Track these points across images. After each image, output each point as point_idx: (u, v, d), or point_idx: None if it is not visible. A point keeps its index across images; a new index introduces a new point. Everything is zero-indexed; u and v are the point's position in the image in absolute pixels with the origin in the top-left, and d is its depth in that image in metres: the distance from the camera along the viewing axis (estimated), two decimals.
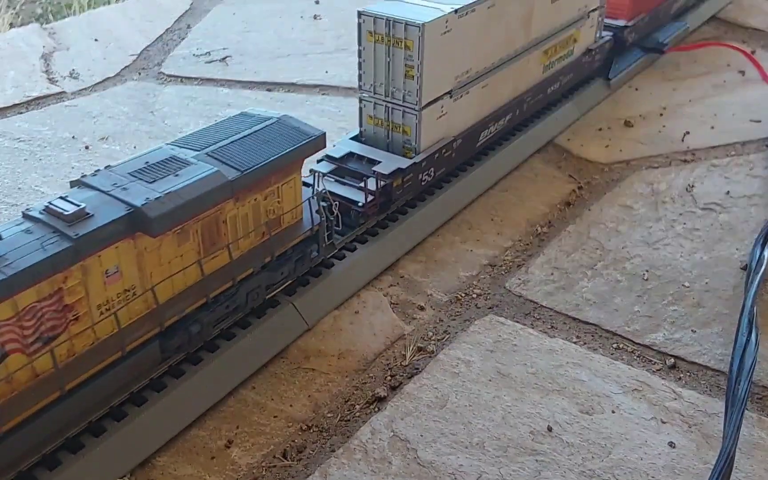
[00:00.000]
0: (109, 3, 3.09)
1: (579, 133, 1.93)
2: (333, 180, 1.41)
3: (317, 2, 2.87)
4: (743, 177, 1.71)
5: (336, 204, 1.30)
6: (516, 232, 1.54)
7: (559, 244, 1.49)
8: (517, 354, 1.21)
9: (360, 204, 1.36)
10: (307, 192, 1.25)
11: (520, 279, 1.39)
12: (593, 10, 1.95)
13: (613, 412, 1.10)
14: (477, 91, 1.57)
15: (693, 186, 1.68)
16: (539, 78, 1.80)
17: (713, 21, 2.67)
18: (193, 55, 2.40)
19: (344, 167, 1.44)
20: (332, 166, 1.44)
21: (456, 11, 1.42)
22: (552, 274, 1.41)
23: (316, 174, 1.31)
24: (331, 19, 2.68)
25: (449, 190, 1.58)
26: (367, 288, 1.36)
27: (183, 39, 2.54)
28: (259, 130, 1.17)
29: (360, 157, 1.46)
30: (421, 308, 1.32)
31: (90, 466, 0.96)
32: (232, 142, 1.12)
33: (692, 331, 1.26)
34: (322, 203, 1.25)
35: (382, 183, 1.39)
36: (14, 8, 3.14)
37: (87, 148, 1.84)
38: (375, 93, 1.46)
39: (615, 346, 1.24)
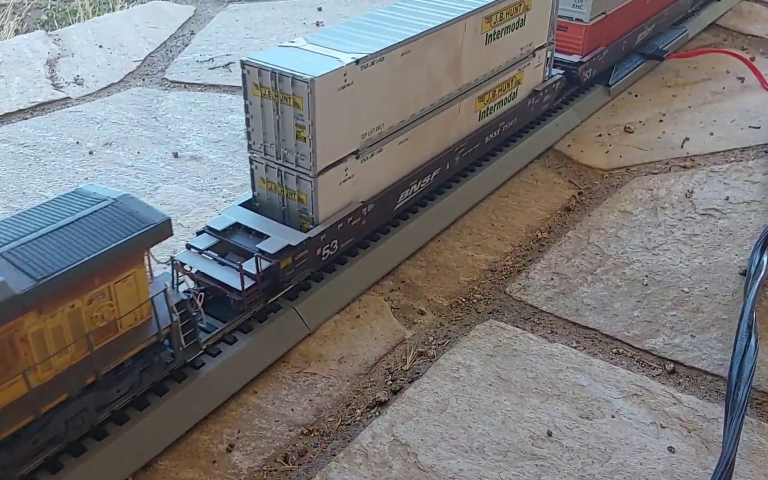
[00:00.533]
0: (113, 10, 3.11)
1: (579, 139, 1.94)
2: (211, 259, 1.20)
3: (320, 9, 2.89)
4: (742, 183, 1.72)
5: (200, 296, 1.10)
6: (516, 238, 1.54)
7: (559, 250, 1.50)
8: (517, 359, 1.21)
9: (239, 291, 1.13)
10: (162, 284, 1.04)
11: (520, 284, 1.40)
12: (540, 48, 1.77)
13: (613, 417, 1.11)
14: (393, 147, 1.38)
15: (692, 192, 1.68)
16: (474, 126, 1.61)
17: (713, 28, 2.69)
18: (197, 61, 2.42)
19: (227, 242, 1.23)
20: (214, 240, 1.23)
21: (358, 62, 1.22)
22: (552, 279, 1.41)
23: (174, 262, 1.12)
24: (333, 25, 2.70)
25: (450, 195, 1.59)
26: (368, 293, 1.37)
27: (186, 45, 2.56)
28: (84, 216, 0.95)
29: (247, 230, 1.25)
30: (422, 313, 1.33)
31: (92, 470, 0.97)
32: (41, 236, 0.90)
33: (691, 336, 1.27)
34: (184, 295, 1.07)
35: (266, 265, 1.17)
36: (20, 15, 3.17)
37: (91, 153, 1.86)
38: (266, 154, 1.25)
39: (615, 351, 1.24)
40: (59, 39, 2.62)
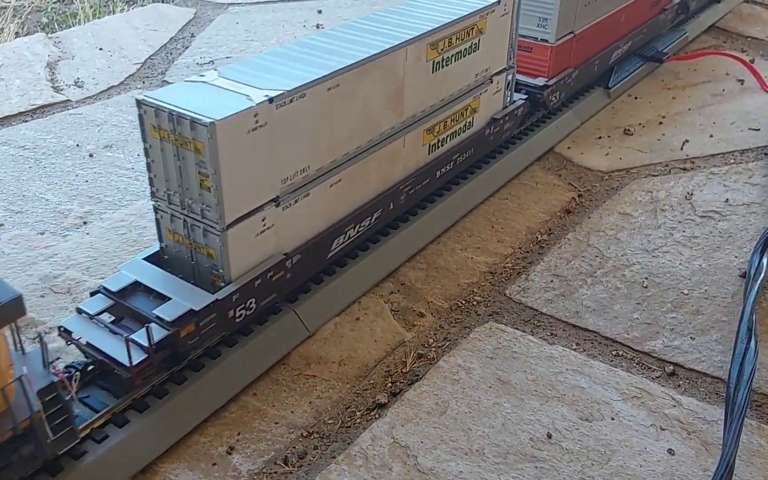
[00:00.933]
0: (113, 12, 3.12)
1: (579, 141, 1.94)
2: (103, 326, 1.05)
3: (320, 12, 2.89)
4: (742, 185, 1.72)
5: (75, 377, 0.94)
6: (516, 240, 1.54)
7: (559, 252, 1.50)
8: (517, 361, 1.21)
9: (126, 366, 0.97)
10: (35, 362, 0.90)
11: (520, 286, 1.40)
12: (498, 73, 1.63)
13: (613, 419, 1.11)
14: (323, 191, 1.23)
15: (692, 194, 1.69)
16: (423, 161, 1.47)
17: (712, 30, 2.69)
18: (197, 63, 2.42)
19: (123, 305, 1.07)
20: (108, 303, 1.08)
21: (271, 100, 1.06)
22: (552, 281, 1.42)
23: (42, 339, 0.91)
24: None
25: (450, 197, 1.59)
26: (368, 295, 1.37)
27: (187, 48, 2.56)
28: None
29: (148, 290, 1.09)
30: (422, 315, 1.33)
31: (91, 472, 0.97)
32: None
33: (691, 338, 1.27)
34: (54, 377, 0.90)
35: (162, 334, 1.00)
36: (20, 17, 3.17)
37: (91, 156, 1.86)
38: (170, 203, 1.10)
39: (614, 353, 1.24)
40: (59, 42, 2.62)
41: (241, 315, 1.12)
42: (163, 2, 3.15)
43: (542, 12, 1.78)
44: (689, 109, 2.10)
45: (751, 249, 1.46)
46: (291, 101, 1.11)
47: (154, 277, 1.11)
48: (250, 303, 1.13)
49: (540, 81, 1.82)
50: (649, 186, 1.73)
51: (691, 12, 2.57)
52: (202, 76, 1.13)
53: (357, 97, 1.24)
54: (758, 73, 2.26)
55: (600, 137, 1.96)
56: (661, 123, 2.03)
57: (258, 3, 3.02)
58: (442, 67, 1.42)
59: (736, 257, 1.47)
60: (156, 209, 1.13)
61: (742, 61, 2.33)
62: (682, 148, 1.89)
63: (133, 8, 3.15)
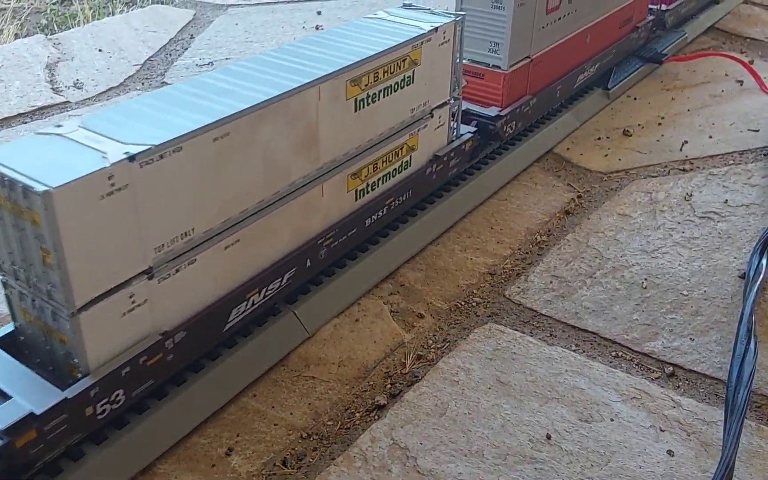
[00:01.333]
0: (113, 14, 3.12)
1: (578, 142, 1.94)
2: None
3: (319, 13, 2.90)
4: (741, 186, 1.72)
5: None
6: (515, 241, 1.54)
7: (558, 253, 1.50)
8: (516, 362, 1.21)
9: None
10: None
11: (519, 287, 1.40)
12: (440, 106, 1.45)
13: (612, 420, 1.11)
14: (214, 255, 1.05)
15: (691, 195, 1.69)
16: (348, 209, 1.29)
17: (712, 31, 2.69)
18: (196, 65, 2.42)
19: None
20: None
21: (133, 158, 0.89)
22: (551, 282, 1.42)
23: None
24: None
25: (449, 198, 1.59)
26: (368, 296, 1.37)
27: (186, 49, 2.57)
28: None
29: None
30: (421, 316, 1.33)
31: (91, 474, 0.96)
32: None
33: (690, 339, 1.27)
34: None
35: None
36: (19, 19, 3.17)
37: None
38: (17, 278, 0.93)
39: (614, 354, 1.24)
40: (59, 43, 2.62)
41: (104, 410, 0.94)
42: (162, 4, 3.15)
43: (493, 36, 1.62)
44: (688, 110, 2.10)
45: (751, 250, 1.46)
46: (161, 157, 0.92)
47: (3, 366, 0.93)
48: (117, 396, 0.95)
49: (493, 111, 1.66)
50: (649, 187, 1.73)
51: (668, 28, 2.44)
52: (59, 126, 0.95)
53: (255, 146, 1.06)
54: (757, 74, 2.26)
55: (599, 138, 1.96)
56: (660, 124, 2.03)
57: (257, 4, 3.02)
58: (368, 104, 1.26)
59: (735, 258, 1.47)
60: (4, 285, 0.96)
61: (741, 62, 2.33)
62: (681, 149, 1.89)
63: (132, 9, 3.15)
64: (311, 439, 1.08)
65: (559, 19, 1.78)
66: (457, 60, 1.47)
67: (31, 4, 3.38)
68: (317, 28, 2.73)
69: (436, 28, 1.37)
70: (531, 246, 1.53)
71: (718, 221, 1.59)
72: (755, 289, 1.29)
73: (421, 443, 1.07)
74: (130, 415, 1.03)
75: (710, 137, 1.94)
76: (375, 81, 1.26)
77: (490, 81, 1.65)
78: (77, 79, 2.32)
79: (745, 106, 2.11)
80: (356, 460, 1.04)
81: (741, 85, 2.25)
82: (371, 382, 1.18)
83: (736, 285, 1.39)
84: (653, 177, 1.77)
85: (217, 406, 1.11)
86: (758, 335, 1.20)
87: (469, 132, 1.59)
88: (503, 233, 1.57)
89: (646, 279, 1.42)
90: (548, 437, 1.07)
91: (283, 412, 1.12)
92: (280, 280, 1.18)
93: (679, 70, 2.36)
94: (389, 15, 1.42)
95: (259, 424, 1.10)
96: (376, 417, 1.12)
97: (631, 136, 1.97)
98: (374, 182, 1.34)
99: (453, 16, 1.43)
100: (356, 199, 1.31)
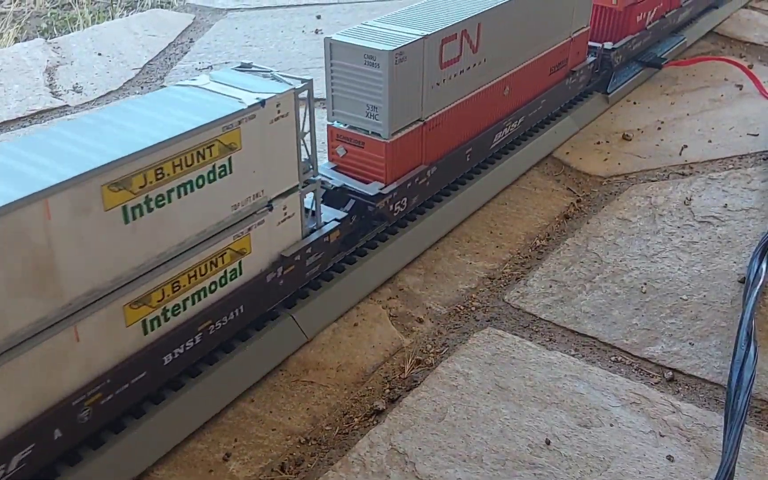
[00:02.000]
0: (112, 18, 3.12)
1: (577, 146, 1.94)
2: None
3: (318, 17, 2.90)
4: (741, 190, 1.72)
5: None
6: (515, 245, 1.54)
7: (557, 257, 1.50)
8: (515, 367, 1.21)
9: None
10: None
11: (518, 292, 1.40)
12: (283, 196, 1.15)
13: (612, 425, 1.10)
14: None
15: (691, 199, 1.68)
16: (130, 349, 0.98)
17: (711, 36, 2.70)
18: (196, 69, 2.42)
19: None
20: None
21: None
22: (550, 286, 1.41)
23: None
24: (332, 33, 2.71)
25: (448, 203, 1.59)
26: (367, 300, 1.37)
27: (185, 53, 2.57)
28: None
29: None
30: (420, 321, 1.33)
31: (87, 479, 0.96)
32: None
33: (690, 343, 1.26)
34: None
35: None
36: (19, 23, 3.18)
37: None
38: None
39: (613, 358, 1.24)
40: (58, 47, 2.62)
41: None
42: (162, 8, 3.15)
43: (368, 99, 1.31)
44: (688, 115, 2.10)
45: (750, 254, 1.46)
46: None
47: None
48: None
49: (373, 188, 1.34)
50: (648, 191, 1.73)
51: (615, 69, 2.12)
52: None
53: None
54: (757, 79, 2.26)
55: (599, 142, 1.96)
56: (659, 128, 2.03)
57: (257, 8, 3.03)
58: (150, 210, 0.95)
59: (735, 262, 1.46)
60: None
61: (740, 67, 2.34)
62: (680, 154, 1.89)
63: (132, 13, 3.16)
64: (309, 444, 1.08)
65: (461, 72, 1.47)
66: (305, 135, 1.17)
67: (31, 7, 3.39)
68: (317, 32, 2.73)
69: (263, 102, 1.06)
70: (530, 250, 1.53)
71: (717, 225, 1.58)
72: (755, 293, 1.29)
73: (419, 448, 1.06)
74: (128, 419, 1.03)
75: (710, 141, 1.94)
76: (160, 179, 0.95)
77: (371, 151, 1.35)
78: (76, 83, 2.32)
79: (745, 110, 2.12)
80: (355, 466, 1.04)
81: (740, 89, 2.25)
82: (370, 387, 1.18)
83: (735, 289, 1.39)
84: (653, 181, 1.77)
85: (214, 411, 1.11)
86: (758, 340, 1.20)
87: (335, 220, 1.28)
88: (502, 238, 1.57)
89: (645, 283, 1.41)
90: (547, 442, 1.07)
91: (281, 417, 1.12)
92: (5, 466, 0.86)
93: (678, 75, 2.37)
94: (211, 80, 1.12)
95: (257, 429, 1.10)
96: (375, 422, 1.11)
97: (630, 140, 1.97)
98: (176, 306, 1.03)
99: (292, 82, 1.13)
100: (145, 333, 1.00)
